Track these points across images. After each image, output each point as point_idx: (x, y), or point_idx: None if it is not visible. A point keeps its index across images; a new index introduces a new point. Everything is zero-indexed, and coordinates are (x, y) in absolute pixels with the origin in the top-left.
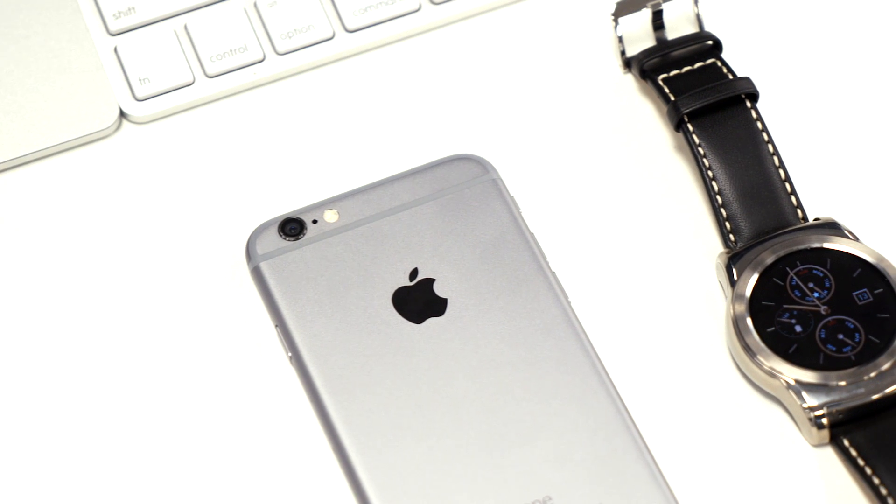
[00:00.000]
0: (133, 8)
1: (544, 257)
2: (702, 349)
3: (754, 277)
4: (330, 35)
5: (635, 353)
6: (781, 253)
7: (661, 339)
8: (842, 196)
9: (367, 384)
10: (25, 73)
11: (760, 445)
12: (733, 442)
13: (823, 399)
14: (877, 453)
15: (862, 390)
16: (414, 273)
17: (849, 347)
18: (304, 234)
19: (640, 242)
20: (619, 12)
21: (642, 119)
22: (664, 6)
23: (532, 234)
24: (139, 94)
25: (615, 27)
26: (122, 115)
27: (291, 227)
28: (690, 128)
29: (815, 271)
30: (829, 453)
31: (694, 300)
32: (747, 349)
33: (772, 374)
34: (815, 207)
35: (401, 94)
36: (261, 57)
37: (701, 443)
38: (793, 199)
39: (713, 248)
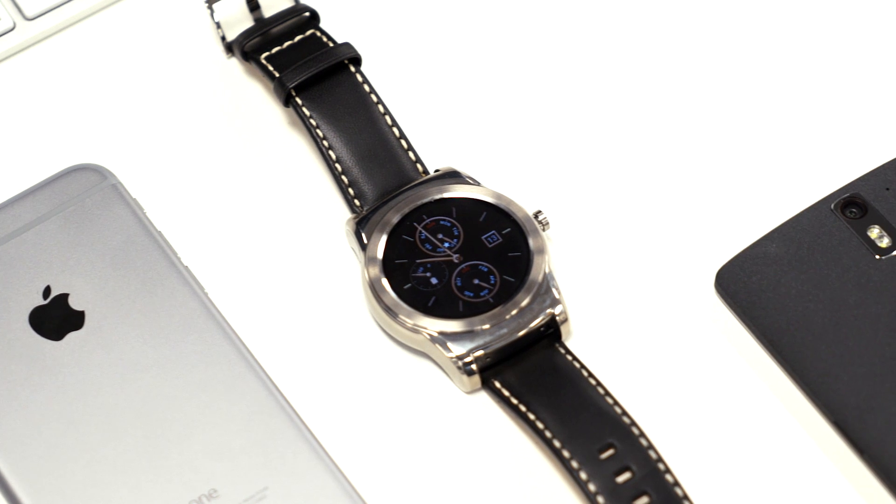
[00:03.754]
0: None
1: (175, 254)
2: (345, 318)
3: (383, 238)
4: None
5: (280, 333)
6: (406, 210)
7: (303, 315)
8: (460, 144)
9: (17, 410)
10: None
11: (417, 402)
12: (391, 404)
13: (469, 346)
14: (528, 389)
15: (505, 330)
16: (47, 291)
17: (486, 291)
18: None
19: (269, 222)
20: None
21: (253, 101)
22: None
23: (160, 233)
24: None
25: (211, 14)
26: None
27: None
28: (299, 101)
29: (442, 222)
30: (485, 398)
31: (331, 271)
32: (388, 310)
33: (415, 330)
34: (435, 160)
35: (9, 115)
36: None
37: (359, 411)
38: (410, 154)
39: (343, 216)
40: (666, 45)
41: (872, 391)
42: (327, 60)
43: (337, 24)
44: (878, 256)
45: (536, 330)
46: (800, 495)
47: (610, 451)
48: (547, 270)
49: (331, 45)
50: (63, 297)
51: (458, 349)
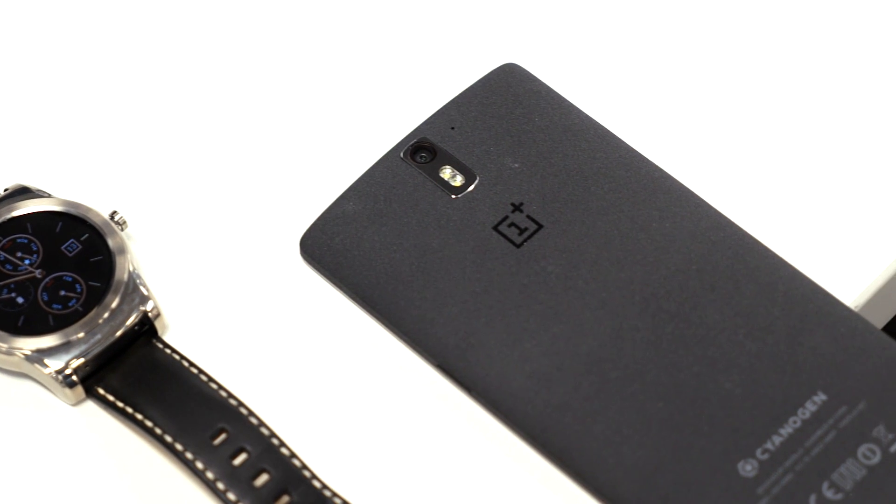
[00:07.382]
0: None
1: None
2: None
3: None
4: None
5: None
6: None
7: None
8: (26, 160)
9: None
10: None
11: (24, 424)
12: None
13: (66, 358)
14: (133, 390)
15: (100, 335)
16: None
17: (74, 300)
18: None
19: None
20: None
21: None
22: None
23: None
24: None
25: None
26: None
27: None
28: None
29: (19, 240)
30: (93, 407)
31: None
32: None
33: (10, 353)
34: (2, 180)
35: None
36: None
37: None
38: None
39: None
40: (245, 29)
41: (469, 329)
42: None
43: None
44: (453, 196)
45: (131, 329)
46: (420, 441)
47: (223, 436)
48: (131, 269)
49: None
50: None
51: (55, 364)
